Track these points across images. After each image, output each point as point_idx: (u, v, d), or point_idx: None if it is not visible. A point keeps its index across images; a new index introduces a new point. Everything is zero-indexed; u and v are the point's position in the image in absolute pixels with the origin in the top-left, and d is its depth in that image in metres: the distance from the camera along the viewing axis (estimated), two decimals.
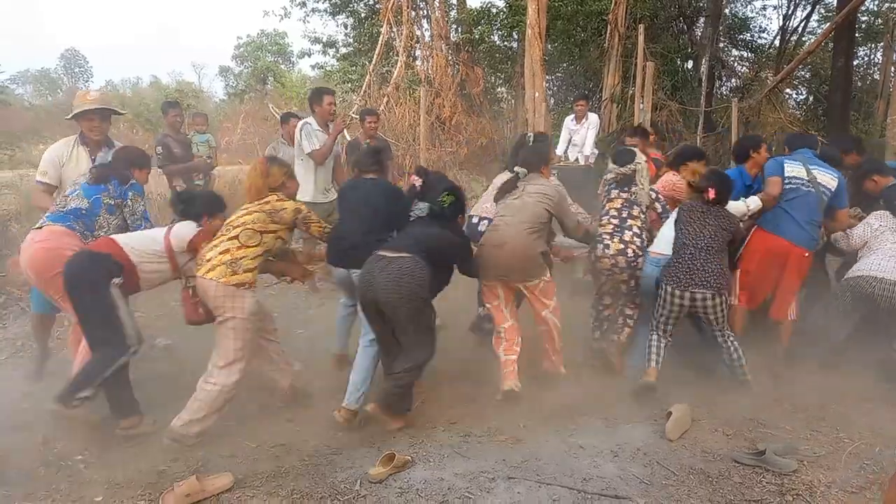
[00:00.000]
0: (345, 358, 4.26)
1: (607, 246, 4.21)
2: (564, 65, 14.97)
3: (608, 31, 11.60)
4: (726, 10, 14.29)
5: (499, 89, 15.53)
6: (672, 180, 4.87)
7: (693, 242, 3.96)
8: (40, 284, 3.75)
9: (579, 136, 7.89)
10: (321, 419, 3.64)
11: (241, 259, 3.40)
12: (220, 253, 3.40)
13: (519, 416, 3.60)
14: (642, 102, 7.64)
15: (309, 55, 17.38)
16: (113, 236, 3.57)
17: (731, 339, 3.97)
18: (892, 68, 13.64)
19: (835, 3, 12.39)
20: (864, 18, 15.31)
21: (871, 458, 3.23)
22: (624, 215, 4.28)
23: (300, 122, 5.89)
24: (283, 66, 30.37)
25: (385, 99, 11.10)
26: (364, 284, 3.47)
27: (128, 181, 3.89)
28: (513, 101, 13.43)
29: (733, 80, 14.11)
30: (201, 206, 3.70)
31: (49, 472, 3.10)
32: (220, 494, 2.87)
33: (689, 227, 4.03)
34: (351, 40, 15.25)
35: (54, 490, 2.95)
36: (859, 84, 14.81)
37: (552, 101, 14.46)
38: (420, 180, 4.04)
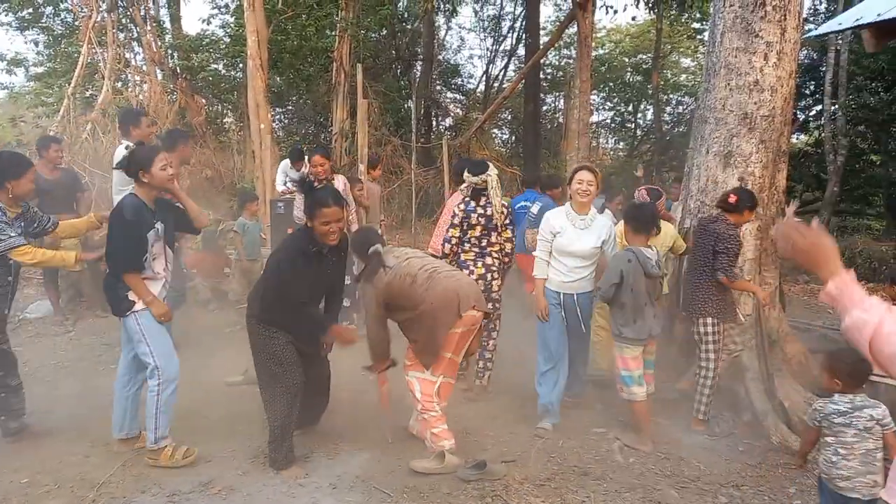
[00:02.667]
0: None
1: None
2: (294, 98, 15.01)
3: (335, 68, 11.94)
4: (440, 57, 15.74)
5: (226, 119, 14.91)
6: None
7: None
8: None
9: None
10: None
11: None
12: None
13: (235, 464, 3.40)
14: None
15: None
16: None
17: None
18: (574, 113, 16.29)
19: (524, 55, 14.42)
20: (550, 70, 18.10)
21: (555, 452, 3.69)
22: None
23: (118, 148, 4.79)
24: None
25: (89, 125, 9.89)
26: None
27: None
28: (241, 132, 12.99)
29: (448, 120, 15.52)
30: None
31: None
32: None
33: None
34: (44, 59, 13.36)
35: None
36: (549, 126, 17.39)
37: (282, 133, 14.35)
38: None
